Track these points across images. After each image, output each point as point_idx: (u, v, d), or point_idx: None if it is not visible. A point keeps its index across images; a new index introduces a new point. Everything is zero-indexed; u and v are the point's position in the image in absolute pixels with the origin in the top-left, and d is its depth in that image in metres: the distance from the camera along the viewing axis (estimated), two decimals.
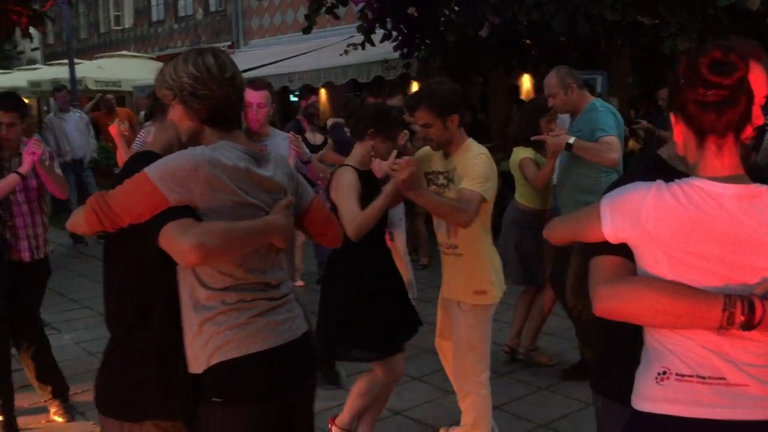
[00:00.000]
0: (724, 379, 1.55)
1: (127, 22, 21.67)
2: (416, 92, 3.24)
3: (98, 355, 5.09)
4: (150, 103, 2.09)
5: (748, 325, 1.50)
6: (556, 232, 1.95)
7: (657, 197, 1.59)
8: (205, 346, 1.88)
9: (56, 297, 6.70)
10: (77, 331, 5.68)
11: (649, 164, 1.90)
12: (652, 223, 1.58)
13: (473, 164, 3.04)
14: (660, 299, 1.55)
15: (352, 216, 2.99)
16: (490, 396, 3.35)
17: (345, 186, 3.08)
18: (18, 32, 6.05)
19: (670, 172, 1.73)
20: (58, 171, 4.27)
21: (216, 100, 1.90)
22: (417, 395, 4.27)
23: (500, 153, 10.31)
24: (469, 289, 3.19)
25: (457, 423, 3.56)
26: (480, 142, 3.22)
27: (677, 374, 1.59)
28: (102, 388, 2.05)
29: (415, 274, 7.03)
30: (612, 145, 4.01)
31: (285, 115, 15.72)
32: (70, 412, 4.17)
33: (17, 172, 3.94)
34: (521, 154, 4.46)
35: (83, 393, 4.29)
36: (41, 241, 4.12)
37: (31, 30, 6.21)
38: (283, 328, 1.98)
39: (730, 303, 1.51)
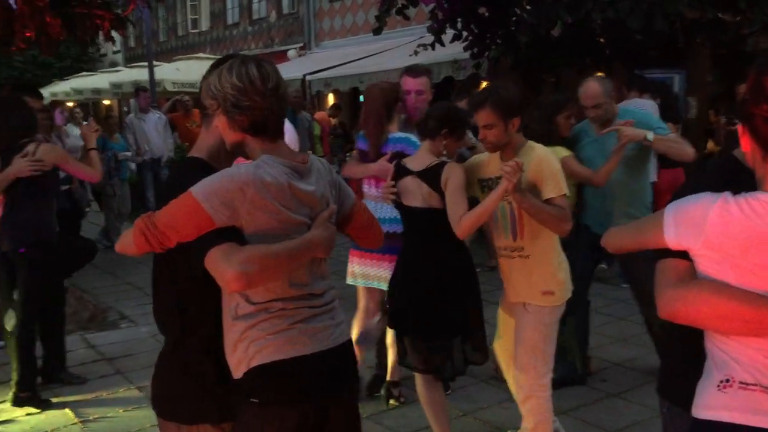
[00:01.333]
0: None
1: (204, 25, 22.28)
2: (481, 92, 3.19)
3: None
4: None
5: None
6: (616, 240, 1.93)
7: (723, 209, 1.57)
8: (246, 350, 1.92)
9: (134, 291, 6.95)
10: (153, 325, 5.83)
11: (723, 166, 1.88)
12: (717, 235, 1.56)
13: (548, 166, 3.04)
14: (728, 304, 1.54)
15: (460, 215, 3.06)
16: (551, 400, 3.28)
17: (457, 184, 3.11)
18: (101, 36, 6.28)
19: (744, 172, 1.70)
20: None
21: (258, 111, 1.90)
22: (486, 397, 4.25)
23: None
24: (537, 290, 3.14)
25: None
26: None
27: (740, 383, 1.57)
28: (157, 392, 2.11)
29: (483, 276, 6.99)
30: (683, 140, 3.94)
31: (355, 115, 15.88)
32: None
33: (94, 148, 4.48)
34: (560, 153, 4.14)
35: None
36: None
37: (114, 33, 6.44)
38: (324, 335, 1.99)
39: None
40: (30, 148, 4.16)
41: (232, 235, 1.84)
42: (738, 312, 1.53)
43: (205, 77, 1.99)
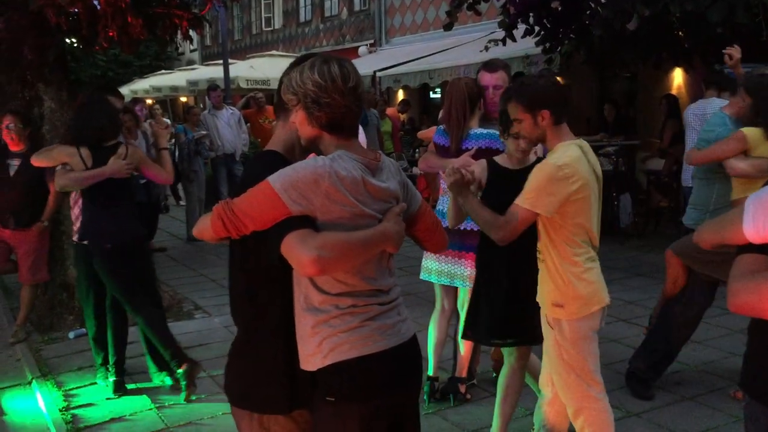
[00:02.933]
0: None
1: (277, 23, 22.67)
2: (510, 85, 3.09)
3: None
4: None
5: None
6: (705, 235, 1.90)
7: None
8: (319, 346, 1.95)
9: (208, 283, 7.15)
10: (226, 316, 5.94)
11: None
12: None
13: (534, 174, 2.83)
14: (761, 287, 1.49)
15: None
16: (609, 407, 3.02)
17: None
18: (179, 35, 6.46)
19: None
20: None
21: (337, 109, 1.94)
22: None
23: (646, 150, 9.88)
24: (549, 300, 2.95)
25: None
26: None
27: None
28: (231, 379, 2.16)
29: None
30: None
31: (425, 111, 15.86)
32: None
33: (166, 148, 4.55)
34: None
35: None
36: None
37: (191, 32, 6.63)
38: (393, 331, 2.02)
39: None
40: (122, 150, 4.30)
41: (307, 222, 1.88)
42: None
43: (286, 73, 2.04)
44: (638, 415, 3.95)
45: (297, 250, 1.83)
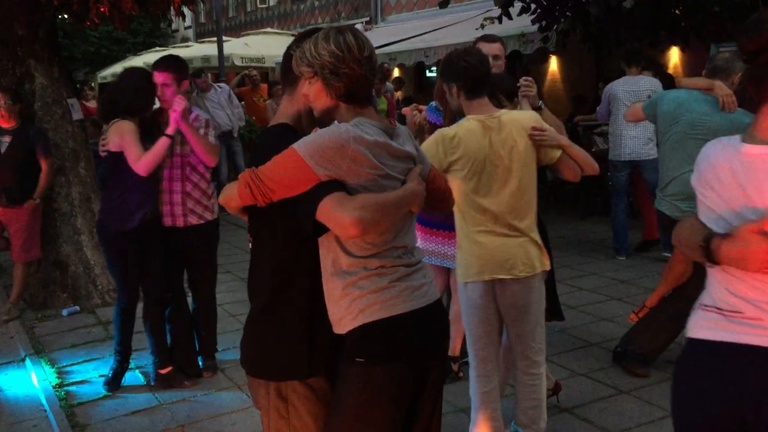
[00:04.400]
0: (741, 312, 1.75)
1: (272, 0, 22.43)
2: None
3: (238, 317, 5.40)
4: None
5: (711, 260, 1.74)
6: None
7: (712, 148, 1.81)
8: (349, 307, 1.98)
9: None
10: (220, 294, 5.94)
11: None
12: (696, 172, 1.84)
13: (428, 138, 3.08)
14: (677, 232, 1.90)
15: None
16: (479, 381, 3.12)
17: None
18: (171, 11, 6.39)
19: None
20: (212, 140, 4.18)
21: (355, 78, 1.97)
22: (587, 393, 4.07)
23: None
24: None
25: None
26: None
27: (703, 305, 1.86)
28: (247, 350, 2.18)
29: None
30: None
31: (421, 90, 15.78)
32: None
33: (165, 135, 3.91)
34: None
35: (223, 351, 4.57)
36: (180, 209, 4.15)
37: (184, 9, 6.55)
38: (421, 293, 2.05)
39: (705, 239, 1.74)
40: (106, 127, 3.99)
41: (339, 186, 1.91)
42: (682, 238, 1.88)
43: (297, 46, 2.05)
44: (629, 392, 3.98)
45: (337, 212, 1.85)
